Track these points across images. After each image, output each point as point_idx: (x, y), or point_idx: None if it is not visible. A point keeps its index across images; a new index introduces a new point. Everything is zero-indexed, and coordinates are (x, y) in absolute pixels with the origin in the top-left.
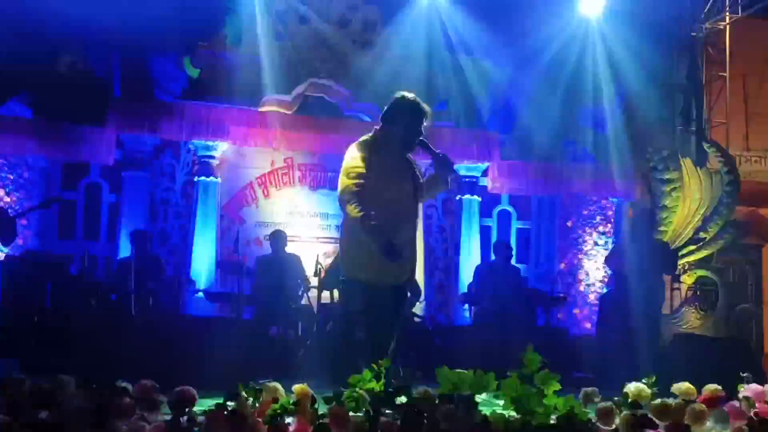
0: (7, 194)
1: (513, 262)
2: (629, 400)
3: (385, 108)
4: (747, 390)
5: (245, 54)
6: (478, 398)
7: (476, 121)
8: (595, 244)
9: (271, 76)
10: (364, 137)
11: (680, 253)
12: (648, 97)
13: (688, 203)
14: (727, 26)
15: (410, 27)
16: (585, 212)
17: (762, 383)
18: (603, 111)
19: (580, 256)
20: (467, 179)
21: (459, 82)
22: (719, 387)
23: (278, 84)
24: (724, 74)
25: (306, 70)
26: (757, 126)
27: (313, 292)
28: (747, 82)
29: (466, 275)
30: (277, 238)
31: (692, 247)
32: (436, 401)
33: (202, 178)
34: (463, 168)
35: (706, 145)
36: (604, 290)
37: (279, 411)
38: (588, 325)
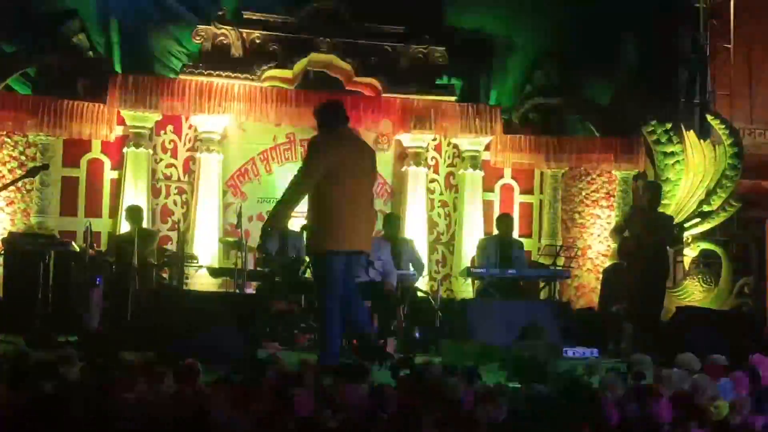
0: (9, 171)
1: (516, 236)
2: (634, 370)
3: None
4: (751, 360)
5: (245, 29)
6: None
7: (478, 95)
8: (598, 217)
9: (272, 51)
10: None
11: (684, 226)
12: (651, 69)
13: (691, 176)
14: None
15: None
16: (588, 186)
17: (766, 355)
18: (606, 84)
19: (583, 230)
20: (469, 153)
21: (460, 55)
22: (723, 357)
23: (279, 59)
24: (728, 46)
25: (307, 45)
26: (761, 98)
27: None
28: (751, 54)
29: (469, 249)
30: None
31: (696, 220)
32: (440, 373)
33: (204, 153)
34: (465, 142)
35: (709, 118)
36: (607, 264)
37: (283, 382)
38: (591, 299)
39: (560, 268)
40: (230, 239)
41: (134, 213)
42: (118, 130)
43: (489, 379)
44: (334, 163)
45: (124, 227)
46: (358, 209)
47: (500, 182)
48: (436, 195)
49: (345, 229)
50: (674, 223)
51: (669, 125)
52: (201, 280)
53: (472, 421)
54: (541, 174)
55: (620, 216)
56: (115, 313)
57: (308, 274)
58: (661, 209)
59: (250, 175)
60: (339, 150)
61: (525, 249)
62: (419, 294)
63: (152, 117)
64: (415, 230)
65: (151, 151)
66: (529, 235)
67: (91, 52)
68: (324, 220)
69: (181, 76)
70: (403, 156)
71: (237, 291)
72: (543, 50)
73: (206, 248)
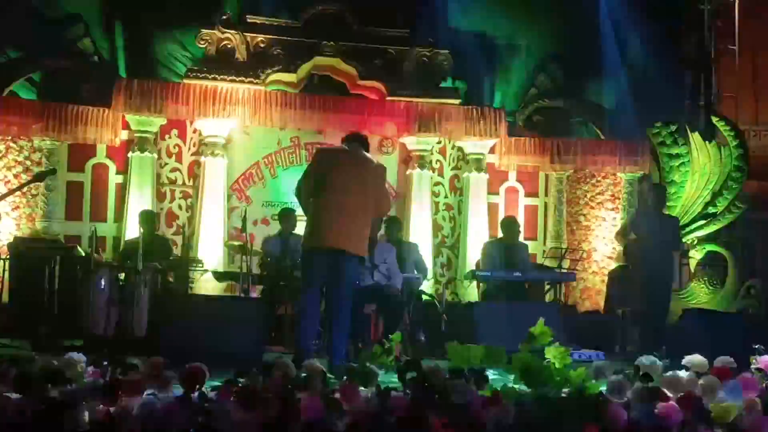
0: (15, 176)
1: (521, 238)
2: (641, 373)
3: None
4: (758, 362)
5: (249, 33)
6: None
7: (482, 98)
8: (604, 220)
9: (276, 55)
10: None
11: (689, 228)
12: (656, 71)
13: (696, 178)
14: None
15: (415, 3)
16: (593, 188)
17: None
18: (611, 86)
19: (588, 233)
20: (474, 156)
21: (464, 57)
22: (730, 359)
23: (283, 62)
24: (733, 47)
25: (311, 49)
26: (766, 100)
27: None
28: (756, 55)
29: (474, 252)
30: (287, 217)
31: (701, 222)
32: (447, 376)
33: (209, 157)
34: (470, 145)
35: (715, 119)
36: (613, 266)
37: (290, 387)
38: (596, 302)
39: (565, 270)
40: (235, 243)
41: (147, 218)
42: (123, 135)
43: (496, 382)
44: (319, 172)
45: (131, 232)
46: (338, 213)
47: (505, 185)
48: (441, 198)
49: (321, 229)
50: (678, 225)
51: (674, 127)
52: (206, 284)
53: (480, 424)
54: (546, 176)
55: (625, 218)
56: (122, 317)
57: None
58: (666, 211)
59: (254, 179)
60: (326, 160)
61: (530, 252)
62: (424, 297)
63: (157, 121)
64: (420, 233)
65: (155, 156)
66: (534, 238)
67: (95, 57)
68: (307, 223)
69: (186, 81)
70: (407, 159)
71: (242, 295)
72: (547, 52)
73: (211, 252)
